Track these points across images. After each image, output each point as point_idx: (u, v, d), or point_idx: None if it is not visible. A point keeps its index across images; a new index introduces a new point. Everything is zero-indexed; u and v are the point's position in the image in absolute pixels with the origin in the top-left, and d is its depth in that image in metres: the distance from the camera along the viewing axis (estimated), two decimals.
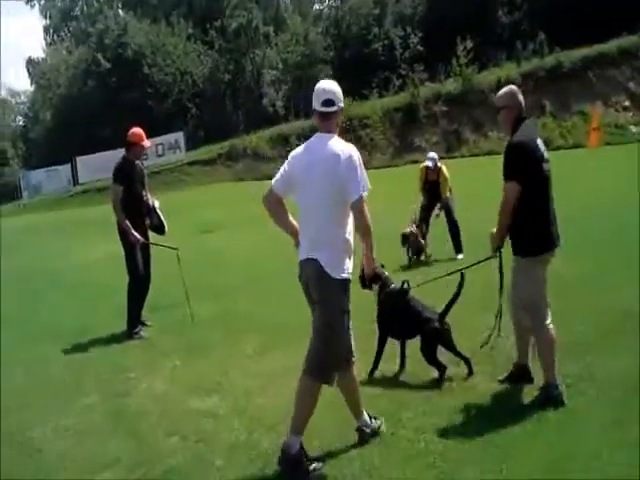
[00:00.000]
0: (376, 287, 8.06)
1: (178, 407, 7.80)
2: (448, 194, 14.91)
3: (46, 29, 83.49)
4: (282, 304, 11.78)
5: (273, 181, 6.51)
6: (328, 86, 6.37)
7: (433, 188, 14.92)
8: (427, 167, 14.85)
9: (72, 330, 11.94)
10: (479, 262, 7.50)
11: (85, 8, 77.03)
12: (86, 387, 8.75)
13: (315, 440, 6.46)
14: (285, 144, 45.32)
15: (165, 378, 8.89)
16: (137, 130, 11.58)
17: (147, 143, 11.34)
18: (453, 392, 7.40)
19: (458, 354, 7.88)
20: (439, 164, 14.89)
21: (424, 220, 15.08)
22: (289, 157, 6.51)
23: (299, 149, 6.49)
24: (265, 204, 6.52)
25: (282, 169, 6.49)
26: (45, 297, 15.48)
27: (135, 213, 11.40)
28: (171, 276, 12.60)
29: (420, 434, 6.48)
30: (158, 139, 49.74)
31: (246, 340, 10.14)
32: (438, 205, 15.05)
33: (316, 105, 6.39)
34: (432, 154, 15.23)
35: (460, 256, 14.23)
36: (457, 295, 7.89)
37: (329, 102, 6.31)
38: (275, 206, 6.51)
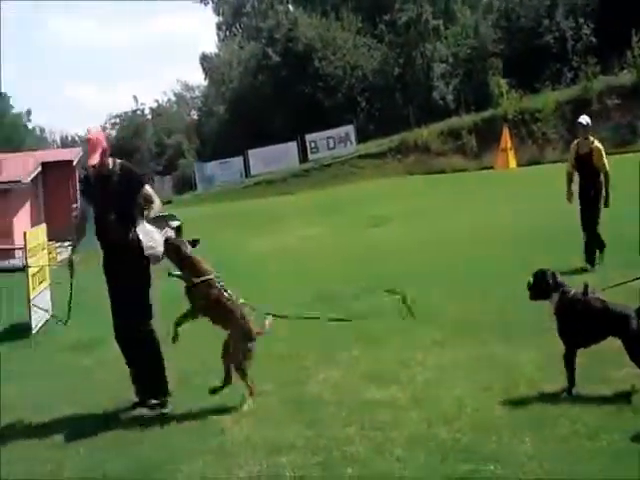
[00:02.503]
0: (555, 296, 7.48)
1: (355, 397, 7.79)
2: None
3: (219, 25, 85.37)
4: (456, 296, 11.74)
5: None
6: None
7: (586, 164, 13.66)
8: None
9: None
10: None
11: (256, 4, 78.23)
12: (262, 374, 8.89)
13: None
14: (456, 138, 45.00)
15: (342, 368, 8.93)
16: None
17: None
18: None
19: None
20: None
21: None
22: None
23: None
24: None
25: None
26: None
27: None
28: (348, 268, 12.67)
29: None
30: (329, 132, 50.21)
31: (422, 332, 10.11)
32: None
33: None
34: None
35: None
36: None
37: None
38: None
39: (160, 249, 8.17)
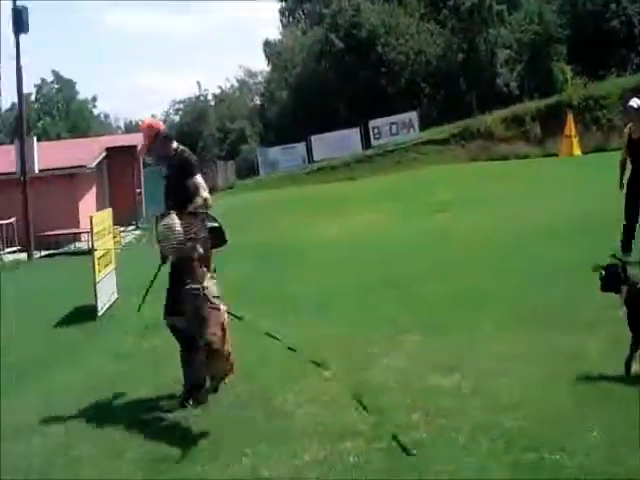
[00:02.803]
0: (624, 288, 7.48)
1: (419, 384, 7.78)
2: None
3: (281, 11, 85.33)
4: (520, 284, 11.68)
5: None
6: None
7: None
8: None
9: (310, 304, 12.30)
10: None
11: None
12: (328, 359, 8.93)
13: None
14: (519, 125, 44.62)
15: (406, 354, 8.93)
16: None
17: None
18: None
19: None
20: None
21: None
22: None
23: None
24: None
25: None
26: (286, 271, 15.88)
27: None
28: (413, 253, 12.64)
29: None
30: (392, 118, 50.13)
31: (485, 319, 10.07)
32: None
33: None
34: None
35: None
36: None
37: None
38: None
39: (170, 246, 8.18)
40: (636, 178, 13.02)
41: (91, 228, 13.61)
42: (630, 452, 5.75)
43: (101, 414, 7.88)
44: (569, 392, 7.02)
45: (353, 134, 51.14)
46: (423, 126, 50.60)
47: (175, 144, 8.54)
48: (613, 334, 8.07)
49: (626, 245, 12.83)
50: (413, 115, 50.85)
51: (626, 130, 13.36)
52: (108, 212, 16.02)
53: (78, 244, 30.52)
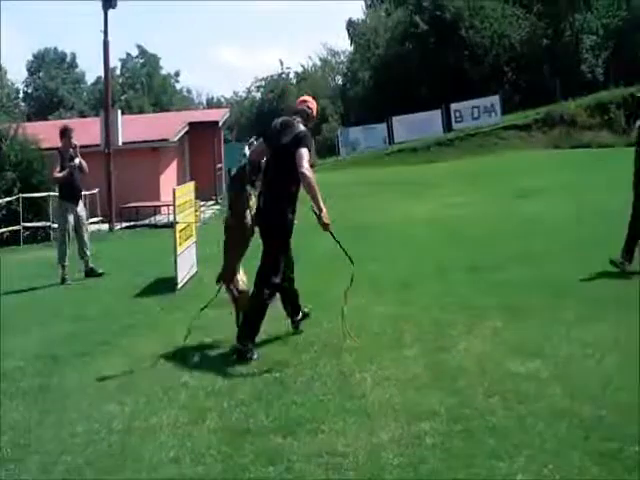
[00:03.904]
0: None
1: (498, 368, 7.73)
2: None
3: None
4: (599, 272, 11.56)
5: None
6: None
7: None
8: None
9: (393, 284, 12.34)
10: None
11: None
12: (407, 340, 8.94)
13: None
14: (604, 112, 43.95)
15: (485, 338, 8.87)
16: None
17: None
18: None
19: None
20: None
21: None
22: None
23: None
24: None
25: None
26: (367, 249, 15.87)
27: None
28: (496, 238, 12.57)
29: None
30: (474, 102, 49.84)
31: (566, 306, 9.98)
32: None
33: None
34: None
35: None
36: None
37: None
38: None
39: None
40: None
41: (174, 200, 13.74)
42: None
43: (180, 384, 7.99)
44: None
45: (434, 116, 50.93)
46: (505, 111, 50.16)
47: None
48: None
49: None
50: (495, 99, 50.47)
51: None
52: (190, 185, 16.16)
53: (158, 217, 30.92)
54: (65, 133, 15.53)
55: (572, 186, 24.50)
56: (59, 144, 15.69)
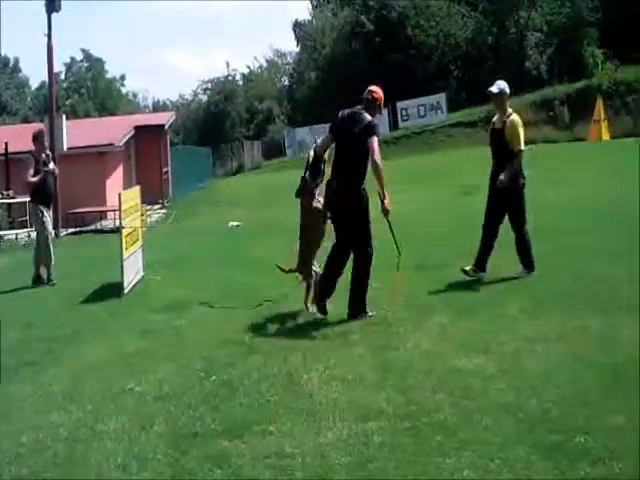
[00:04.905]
0: None
1: (445, 364, 7.78)
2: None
3: None
4: (546, 268, 11.63)
5: None
6: None
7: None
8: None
9: (340, 283, 12.29)
10: None
11: None
12: (353, 338, 8.96)
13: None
14: (548, 109, 44.33)
15: (432, 335, 8.92)
16: None
17: None
18: None
19: None
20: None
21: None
22: None
23: None
24: None
25: None
26: None
27: None
28: (441, 235, 12.59)
29: None
30: (420, 100, 50.06)
31: (512, 301, 10.07)
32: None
33: None
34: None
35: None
36: None
37: None
38: None
39: None
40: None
41: (119, 205, 13.64)
42: None
43: (126, 390, 7.92)
44: (597, 376, 6.99)
45: (381, 115, 50.90)
46: (451, 108, 50.42)
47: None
48: None
49: None
50: (442, 97, 50.71)
51: None
52: (136, 190, 16.07)
53: (104, 222, 30.71)
54: (38, 137, 15.63)
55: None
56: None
